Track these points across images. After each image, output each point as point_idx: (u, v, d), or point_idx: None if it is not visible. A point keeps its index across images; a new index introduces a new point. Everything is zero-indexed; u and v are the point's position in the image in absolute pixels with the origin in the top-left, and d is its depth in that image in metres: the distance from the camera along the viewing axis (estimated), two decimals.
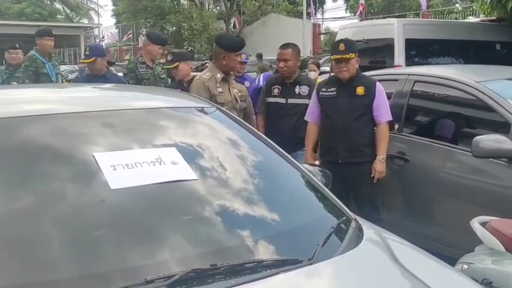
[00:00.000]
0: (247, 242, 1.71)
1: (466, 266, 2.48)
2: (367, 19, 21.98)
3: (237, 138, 2.33)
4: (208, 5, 35.45)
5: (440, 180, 3.80)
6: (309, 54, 24.70)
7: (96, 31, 39.85)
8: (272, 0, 34.88)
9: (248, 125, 2.64)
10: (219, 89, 4.05)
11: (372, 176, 3.87)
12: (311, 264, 1.65)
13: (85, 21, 43.61)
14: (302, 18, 29.02)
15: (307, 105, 4.28)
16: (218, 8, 35.97)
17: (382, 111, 3.90)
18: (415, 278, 1.68)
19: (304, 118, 4.19)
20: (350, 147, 3.90)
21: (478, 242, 2.58)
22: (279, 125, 4.37)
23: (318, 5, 34.69)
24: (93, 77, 4.94)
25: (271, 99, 4.48)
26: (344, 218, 2.04)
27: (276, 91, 4.47)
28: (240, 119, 2.63)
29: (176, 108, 2.48)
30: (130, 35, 36.36)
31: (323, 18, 38.48)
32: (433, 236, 3.70)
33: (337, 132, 3.92)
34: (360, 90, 3.92)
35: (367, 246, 1.86)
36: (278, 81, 4.55)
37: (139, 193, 1.73)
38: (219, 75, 4.07)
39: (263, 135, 2.61)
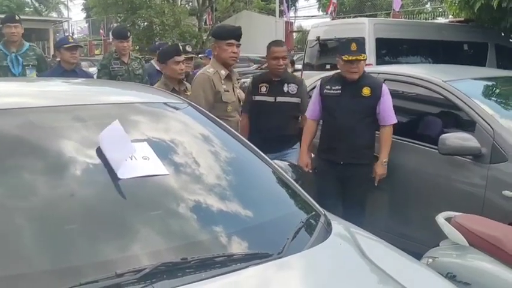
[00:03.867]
0: (218, 236, 1.73)
1: (431, 260, 2.55)
2: (338, 18, 22.17)
3: (209, 134, 2.34)
4: (181, 1, 35.23)
5: (408, 177, 3.88)
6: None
7: (65, 25, 39.17)
8: None
9: (220, 121, 2.64)
10: (224, 87, 3.90)
11: (371, 177, 3.84)
12: (280, 257, 1.68)
13: (54, 14, 42.80)
14: (274, 15, 29.10)
15: (295, 104, 4.24)
16: (190, 4, 35.78)
17: (388, 113, 3.84)
18: (382, 272, 1.73)
19: (305, 114, 4.11)
20: (352, 148, 3.83)
21: (443, 237, 2.65)
22: (266, 123, 4.20)
23: (290, 3, 34.80)
24: (64, 72, 4.84)
25: (258, 98, 4.29)
26: (313, 213, 2.07)
27: (263, 89, 4.28)
28: (213, 115, 2.63)
29: (148, 104, 2.48)
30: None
31: (295, 16, 38.62)
32: (401, 232, 3.77)
33: (340, 132, 3.84)
34: (366, 91, 3.84)
35: (335, 240, 1.90)
36: (265, 79, 4.37)
37: (111, 187, 1.73)
38: (223, 72, 3.92)
39: (234, 131, 2.61)
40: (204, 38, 31.21)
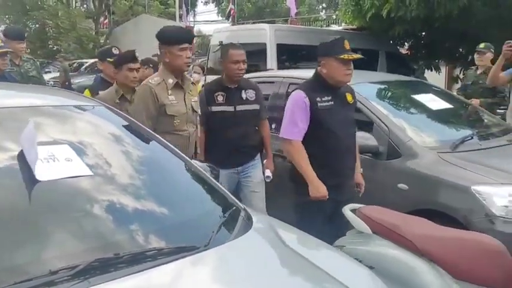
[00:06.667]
0: (148, 232, 1.79)
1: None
2: (238, 23, 22.55)
3: (130, 135, 2.39)
4: (75, 3, 34.01)
5: None
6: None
7: None
8: (143, 1, 34.37)
9: (137, 122, 2.67)
10: (171, 97, 3.46)
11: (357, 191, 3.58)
12: (207, 249, 1.79)
13: None
14: (174, 20, 28.98)
15: (256, 111, 3.95)
16: (85, 6, 34.66)
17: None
18: (301, 257, 1.89)
19: (286, 136, 3.40)
20: (353, 164, 3.51)
21: (350, 227, 2.88)
22: (226, 136, 3.83)
23: (189, 7, 34.83)
24: None
25: (216, 108, 3.85)
26: (234, 208, 2.20)
27: (220, 98, 3.85)
28: (130, 117, 2.66)
29: (62, 107, 2.46)
30: None
31: (195, 21, 38.74)
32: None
33: (343, 149, 3.39)
34: (349, 97, 3.52)
35: (256, 231, 2.03)
36: (220, 87, 3.91)
37: (41, 189, 1.73)
38: (170, 81, 3.48)
39: (151, 131, 2.65)
40: (102, 41, 30.36)
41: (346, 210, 2.89)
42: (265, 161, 4.08)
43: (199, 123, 3.78)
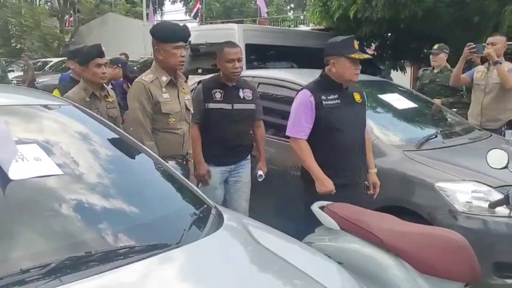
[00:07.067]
0: (120, 231, 1.80)
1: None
2: (207, 23, 22.50)
3: (99, 133, 2.38)
4: (39, 1, 33.36)
5: (283, 172, 4.15)
6: (150, 56, 24.54)
7: None
8: None
9: (105, 120, 2.66)
10: (165, 95, 3.40)
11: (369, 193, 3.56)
12: (179, 247, 1.80)
13: None
14: (141, 19, 28.72)
15: (252, 111, 3.93)
16: (49, 4, 34.03)
17: (366, 120, 3.61)
18: (272, 254, 1.92)
19: (291, 135, 3.43)
20: (361, 164, 3.49)
21: (319, 223, 2.92)
22: (223, 134, 3.79)
23: (157, 6, 34.56)
24: None
25: (213, 105, 3.79)
26: (205, 206, 2.22)
27: (218, 96, 3.80)
28: (99, 116, 2.65)
29: (30, 106, 2.43)
30: None
31: (162, 20, 38.43)
32: (279, 223, 4.01)
33: (350, 148, 3.39)
34: (357, 96, 3.53)
35: (227, 228, 2.06)
36: (217, 84, 3.86)
37: (12, 188, 1.72)
38: (164, 78, 3.41)
39: (121, 131, 2.64)
40: (67, 40, 29.87)
41: (315, 207, 2.94)
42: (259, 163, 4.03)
43: (192, 121, 3.74)
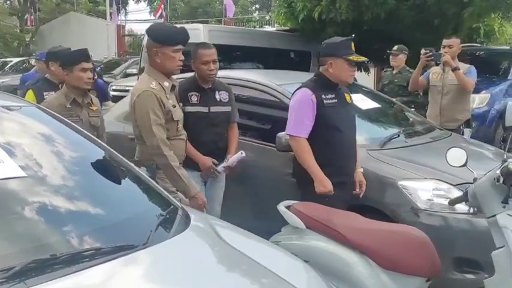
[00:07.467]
0: (86, 232, 1.78)
1: None
2: (171, 23, 22.35)
3: (63, 135, 2.35)
4: None
5: (254, 173, 4.13)
6: (114, 56, 24.25)
7: None
8: None
9: (67, 121, 2.61)
10: (170, 102, 3.25)
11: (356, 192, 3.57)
12: (145, 248, 1.80)
13: None
14: (104, 18, 28.33)
15: (228, 113, 3.85)
16: (9, 2, 33.20)
17: None
18: (239, 253, 1.94)
19: (292, 134, 3.45)
20: (354, 163, 3.56)
21: (285, 223, 2.96)
22: (200, 137, 3.68)
23: (120, 5, 34.14)
24: None
25: (190, 108, 3.67)
26: (172, 207, 2.22)
27: (194, 99, 3.70)
28: (62, 117, 2.60)
29: None
30: None
31: (127, 20, 37.98)
32: (250, 223, 4.02)
33: (347, 147, 3.47)
34: (348, 97, 3.61)
35: (194, 229, 2.06)
36: (193, 87, 3.74)
37: None
38: (166, 84, 3.24)
39: (84, 131, 2.59)
40: (27, 39, 29.21)
41: (281, 206, 2.97)
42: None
43: None
